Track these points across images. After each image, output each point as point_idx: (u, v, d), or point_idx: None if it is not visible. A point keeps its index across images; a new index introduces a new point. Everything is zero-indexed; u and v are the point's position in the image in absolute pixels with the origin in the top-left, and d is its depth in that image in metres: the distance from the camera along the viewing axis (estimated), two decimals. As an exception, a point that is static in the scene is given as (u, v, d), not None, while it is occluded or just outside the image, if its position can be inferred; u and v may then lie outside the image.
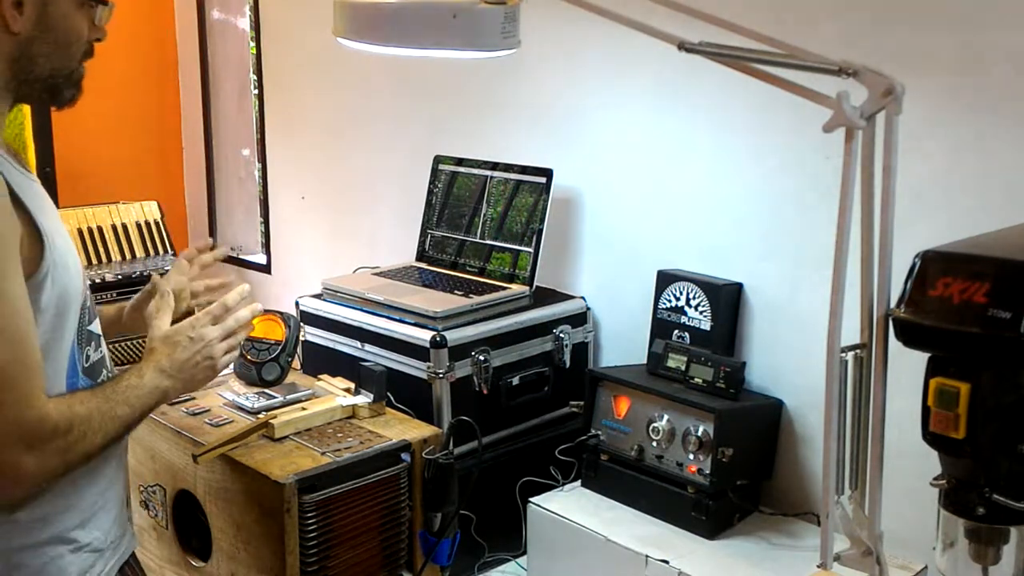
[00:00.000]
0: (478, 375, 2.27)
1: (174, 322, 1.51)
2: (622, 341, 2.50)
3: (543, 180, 2.48)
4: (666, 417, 2.09)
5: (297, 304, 2.52)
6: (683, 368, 2.15)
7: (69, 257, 1.35)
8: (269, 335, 2.05)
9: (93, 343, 1.44)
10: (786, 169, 2.14)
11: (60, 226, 1.37)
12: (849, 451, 1.29)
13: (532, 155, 2.59)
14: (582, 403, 2.26)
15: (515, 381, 2.37)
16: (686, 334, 2.26)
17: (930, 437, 1.14)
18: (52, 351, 1.33)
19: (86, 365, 1.41)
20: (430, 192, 2.71)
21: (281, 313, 2.10)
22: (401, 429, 1.99)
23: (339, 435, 1.95)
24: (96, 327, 1.46)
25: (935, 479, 1.18)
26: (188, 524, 2.00)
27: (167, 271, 1.76)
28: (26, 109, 3.50)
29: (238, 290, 1.57)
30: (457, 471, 1.96)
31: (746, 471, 2.09)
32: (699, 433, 2.03)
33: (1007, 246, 1.17)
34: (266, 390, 2.08)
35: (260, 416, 1.98)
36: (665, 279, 2.31)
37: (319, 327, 2.47)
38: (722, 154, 2.25)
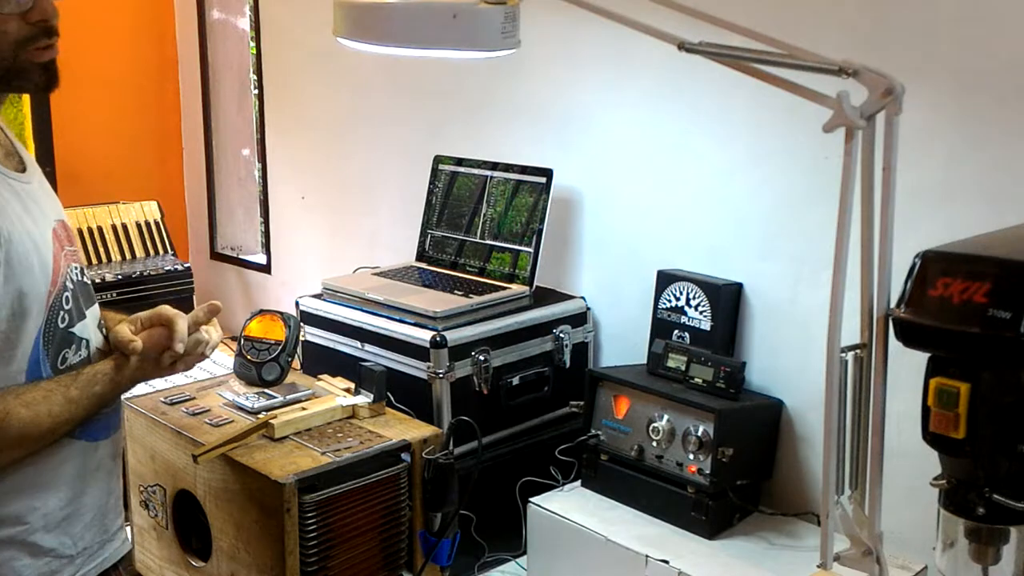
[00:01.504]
0: (478, 375, 2.27)
1: None
2: (622, 341, 2.50)
3: (543, 180, 2.48)
4: (666, 417, 2.09)
5: (297, 304, 2.52)
6: (683, 368, 2.15)
7: (34, 257, 1.33)
8: (269, 335, 2.05)
9: (74, 346, 1.41)
10: (786, 169, 2.14)
11: (31, 226, 1.35)
12: (849, 451, 1.29)
13: (532, 155, 2.59)
14: (582, 403, 2.26)
15: (515, 381, 2.37)
16: (686, 334, 2.26)
17: (930, 437, 1.14)
18: (9, 350, 1.31)
19: (61, 367, 1.38)
20: (430, 192, 2.71)
21: (281, 313, 2.10)
22: (401, 429, 1.99)
23: (339, 435, 1.95)
24: (83, 330, 1.43)
25: (935, 479, 1.18)
26: (188, 524, 2.00)
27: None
28: (26, 109, 3.51)
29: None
30: (457, 471, 1.96)
31: (746, 471, 2.09)
32: (699, 433, 2.03)
33: (1007, 246, 1.17)
34: (266, 390, 2.08)
35: (260, 416, 1.98)
36: (665, 279, 2.31)
37: (319, 327, 2.47)
38: (722, 154, 2.25)
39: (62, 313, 1.39)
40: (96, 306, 1.51)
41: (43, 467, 1.37)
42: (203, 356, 1.56)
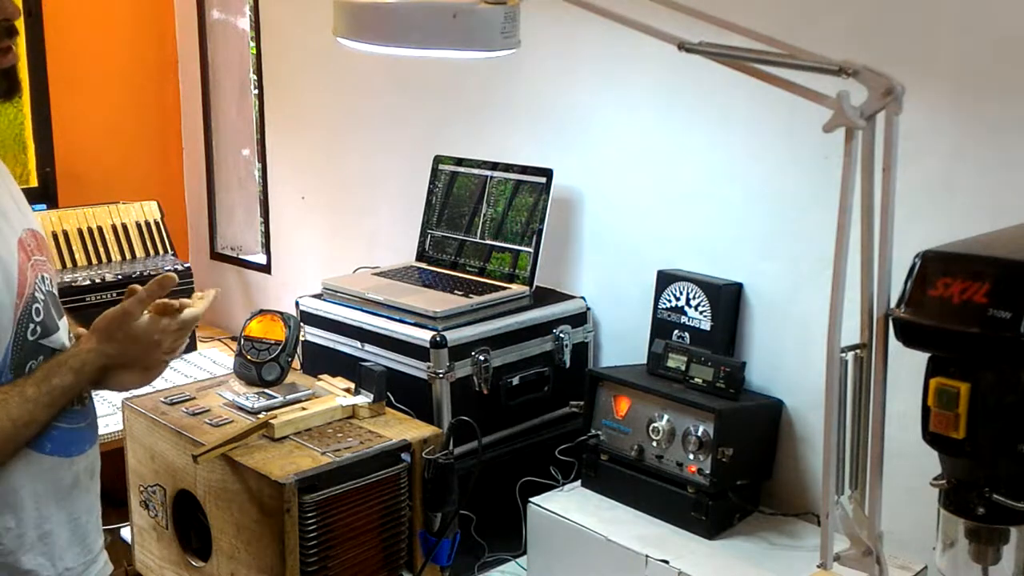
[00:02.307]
0: (478, 375, 2.27)
1: None
2: (622, 341, 2.50)
3: (543, 180, 2.47)
4: (666, 417, 2.09)
5: (297, 304, 2.52)
6: (683, 368, 2.15)
7: None
8: (269, 335, 2.05)
9: (42, 357, 1.37)
10: (786, 169, 2.14)
11: None
12: (849, 451, 1.29)
13: (532, 155, 2.59)
14: (582, 403, 2.26)
15: (515, 381, 2.37)
16: (686, 334, 2.26)
17: (930, 437, 1.14)
18: None
19: None
20: (430, 192, 2.71)
21: (281, 313, 2.11)
22: (401, 429, 1.99)
23: (339, 435, 1.95)
24: (55, 341, 1.40)
25: (935, 479, 1.18)
26: (188, 524, 2.00)
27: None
28: (26, 110, 3.51)
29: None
30: (457, 471, 1.96)
31: (746, 471, 2.09)
32: (699, 433, 2.03)
33: (1007, 246, 1.17)
34: (266, 390, 2.08)
35: (260, 416, 1.98)
36: (665, 279, 2.31)
37: (319, 327, 2.47)
38: (722, 154, 2.25)
39: (32, 325, 1.35)
40: (65, 318, 1.47)
41: (11, 485, 1.33)
42: (183, 323, 1.49)
